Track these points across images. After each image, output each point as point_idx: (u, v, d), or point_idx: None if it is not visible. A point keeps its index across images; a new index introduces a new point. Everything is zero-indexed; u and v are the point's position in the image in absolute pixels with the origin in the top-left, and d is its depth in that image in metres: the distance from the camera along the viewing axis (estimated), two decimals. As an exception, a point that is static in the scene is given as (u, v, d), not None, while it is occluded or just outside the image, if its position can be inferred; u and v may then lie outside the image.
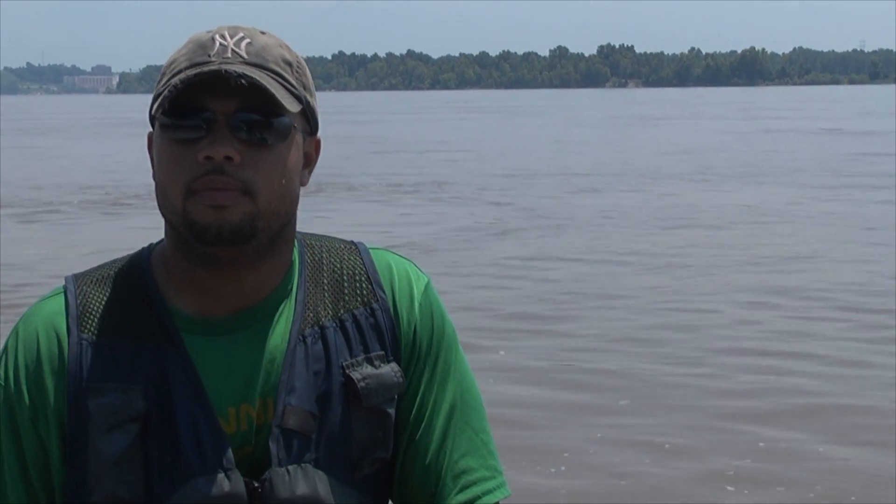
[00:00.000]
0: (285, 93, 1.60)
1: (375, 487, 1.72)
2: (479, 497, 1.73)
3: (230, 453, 1.61)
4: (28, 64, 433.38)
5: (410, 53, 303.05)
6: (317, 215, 16.33)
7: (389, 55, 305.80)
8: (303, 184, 1.68)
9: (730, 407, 7.14)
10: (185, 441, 1.60)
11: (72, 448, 1.62)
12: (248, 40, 1.62)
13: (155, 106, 1.59)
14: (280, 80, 1.60)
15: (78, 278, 1.71)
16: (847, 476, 5.93)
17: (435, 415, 1.74)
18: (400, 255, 1.80)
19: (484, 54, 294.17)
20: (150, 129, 1.68)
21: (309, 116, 1.67)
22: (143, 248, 1.73)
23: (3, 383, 1.66)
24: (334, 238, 1.80)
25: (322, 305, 1.70)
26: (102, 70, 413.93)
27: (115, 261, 1.74)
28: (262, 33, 1.66)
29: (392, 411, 1.69)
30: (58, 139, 45.19)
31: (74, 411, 1.62)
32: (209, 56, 1.59)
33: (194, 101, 1.57)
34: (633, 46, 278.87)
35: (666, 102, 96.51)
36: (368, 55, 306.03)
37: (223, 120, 1.57)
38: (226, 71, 1.55)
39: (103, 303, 1.67)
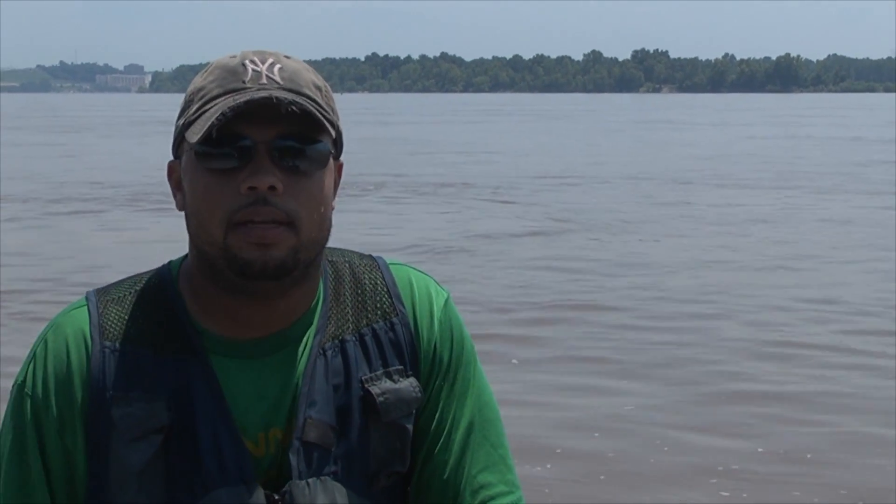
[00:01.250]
0: (322, 118, 1.57)
1: (392, 500, 1.72)
2: None
3: (251, 466, 1.61)
4: (61, 62, 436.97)
5: (444, 56, 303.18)
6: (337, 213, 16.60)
7: (423, 57, 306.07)
8: (332, 208, 1.66)
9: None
10: (206, 453, 1.60)
11: (94, 457, 1.61)
12: (279, 65, 1.59)
13: (190, 135, 1.55)
14: (315, 105, 1.58)
15: (99, 293, 1.69)
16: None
17: (454, 430, 1.74)
18: (420, 271, 1.80)
19: (517, 57, 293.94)
20: (172, 158, 1.66)
21: (337, 141, 1.65)
22: (167, 265, 1.71)
23: (30, 392, 1.64)
24: (354, 252, 1.79)
25: (343, 319, 1.69)
26: (135, 69, 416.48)
27: (136, 277, 1.72)
28: (287, 57, 1.63)
29: (410, 426, 1.70)
30: (94, 136, 45.76)
31: (97, 420, 1.60)
32: (244, 82, 1.56)
33: (231, 130, 1.53)
34: (667, 51, 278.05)
35: (696, 108, 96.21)
36: (402, 57, 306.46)
37: (263, 149, 1.54)
38: (277, 98, 1.52)
39: (126, 316, 1.65)
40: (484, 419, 1.76)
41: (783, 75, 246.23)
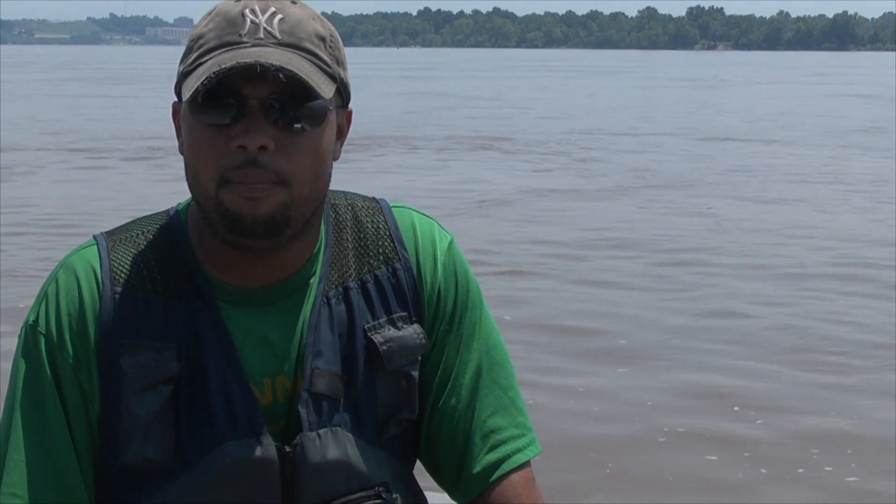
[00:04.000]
0: (321, 75, 1.55)
1: (403, 448, 1.72)
2: (509, 456, 1.72)
3: (261, 418, 1.59)
4: (111, 15, 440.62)
5: (496, 11, 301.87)
6: (361, 169, 16.90)
7: (476, 12, 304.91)
8: (335, 158, 1.63)
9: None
10: (217, 405, 1.58)
11: (104, 402, 1.59)
12: (280, 16, 1.56)
13: (184, 90, 1.54)
14: (315, 59, 1.55)
15: (108, 235, 1.66)
16: None
17: (461, 375, 1.72)
18: (422, 213, 1.77)
19: (570, 13, 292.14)
20: (176, 100, 1.64)
21: (342, 91, 1.61)
22: (175, 208, 1.69)
23: (43, 331, 1.61)
24: (357, 195, 1.77)
25: (345, 266, 1.68)
26: (184, 22, 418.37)
27: (144, 220, 1.69)
28: (294, 2, 1.59)
29: (415, 373, 1.68)
30: (143, 89, 46.30)
31: (108, 365, 1.59)
32: (240, 35, 1.53)
33: (226, 84, 1.51)
34: (722, 8, 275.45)
35: (747, 66, 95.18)
36: (454, 12, 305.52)
37: (256, 105, 1.52)
38: (261, 65, 1.48)
39: (136, 261, 1.63)
40: (492, 362, 1.74)
41: (839, 33, 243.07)
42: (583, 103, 37.16)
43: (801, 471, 5.39)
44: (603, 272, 9.93)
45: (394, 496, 1.66)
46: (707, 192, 15.29)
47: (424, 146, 21.51)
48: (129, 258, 1.63)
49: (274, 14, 1.56)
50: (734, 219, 12.90)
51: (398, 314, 1.68)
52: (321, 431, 1.60)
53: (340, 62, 1.60)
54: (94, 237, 1.66)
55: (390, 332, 1.66)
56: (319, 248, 1.67)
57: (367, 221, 1.72)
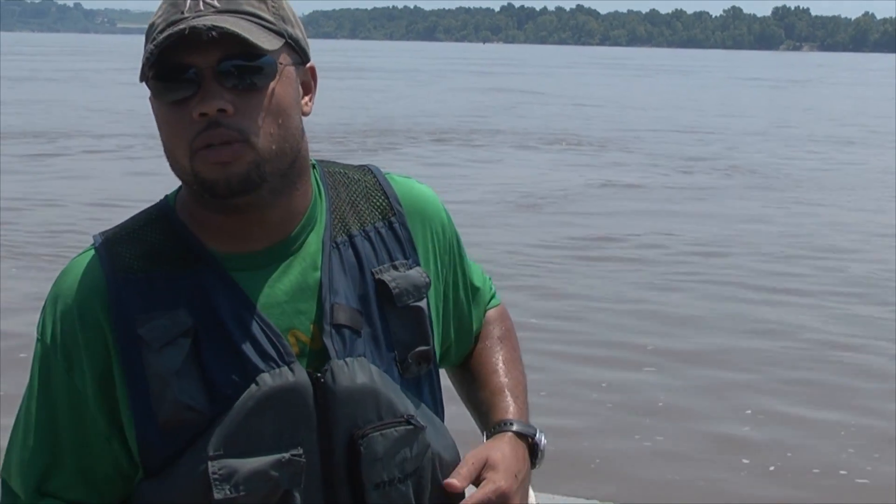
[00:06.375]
0: (262, 31, 1.59)
1: (423, 388, 1.76)
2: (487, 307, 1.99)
3: (289, 347, 1.63)
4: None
5: (580, 8, 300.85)
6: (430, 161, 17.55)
7: (559, 9, 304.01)
8: (305, 113, 1.69)
9: None
10: (242, 343, 1.62)
11: (129, 379, 1.62)
12: None
13: (141, 74, 1.60)
14: (255, 19, 1.60)
15: (105, 234, 1.71)
16: None
17: (456, 292, 1.89)
18: (407, 176, 1.88)
19: (654, 12, 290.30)
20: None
21: (295, 47, 1.66)
22: (163, 200, 1.75)
23: (40, 337, 1.69)
24: (346, 164, 1.85)
25: (345, 217, 1.75)
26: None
27: (136, 214, 1.75)
28: None
29: (424, 306, 1.75)
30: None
31: (125, 344, 1.62)
32: (182, 13, 1.58)
33: (177, 61, 1.57)
34: (808, 9, 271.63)
35: (830, 67, 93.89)
36: (537, 8, 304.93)
37: (209, 73, 1.57)
38: (193, 27, 1.54)
39: (133, 246, 1.68)
40: (465, 262, 1.92)
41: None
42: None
43: None
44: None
45: (423, 425, 1.70)
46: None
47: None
48: (126, 246, 1.68)
49: None
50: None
51: (400, 261, 1.75)
52: (348, 359, 1.65)
53: (286, 20, 1.65)
54: (93, 236, 1.72)
55: (396, 273, 1.74)
56: (315, 201, 1.73)
57: (360, 180, 1.80)
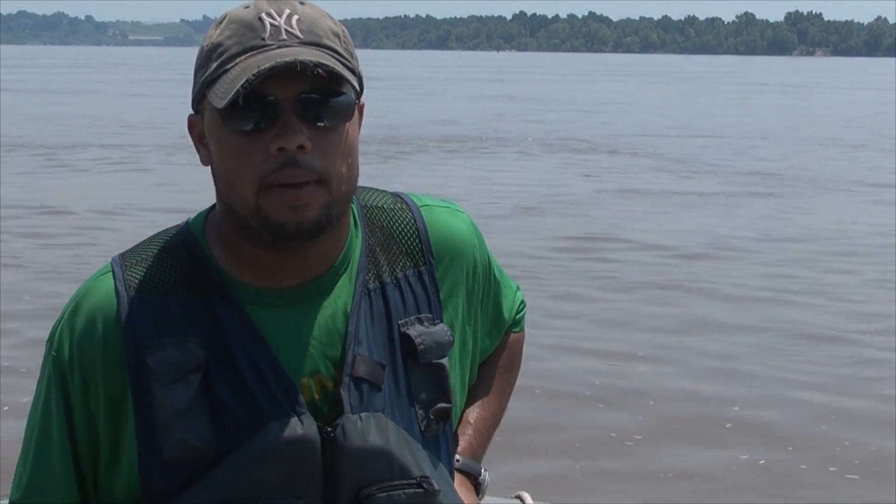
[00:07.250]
0: (344, 69, 1.55)
1: (441, 447, 1.72)
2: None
3: (301, 397, 1.59)
4: (204, 17, 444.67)
5: (592, 15, 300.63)
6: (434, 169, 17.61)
7: (571, 16, 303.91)
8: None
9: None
10: (254, 386, 1.58)
11: (137, 407, 1.60)
12: (296, 16, 1.56)
13: (214, 98, 1.53)
14: (336, 55, 1.56)
15: (124, 256, 1.68)
16: None
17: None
18: (443, 206, 1.80)
19: (666, 18, 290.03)
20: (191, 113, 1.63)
21: (359, 84, 1.61)
22: (191, 221, 1.70)
23: (55, 354, 1.66)
24: (381, 192, 1.78)
25: (378, 261, 1.69)
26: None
27: (157, 235, 1.70)
28: (302, 3, 1.60)
29: (446, 363, 1.70)
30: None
31: (135, 371, 1.59)
32: (263, 39, 1.53)
33: (255, 89, 1.50)
34: (821, 14, 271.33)
35: (840, 72, 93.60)
36: (549, 16, 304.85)
37: (288, 106, 1.51)
38: (301, 63, 1.49)
39: (150, 269, 1.64)
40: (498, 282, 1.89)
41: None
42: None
43: None
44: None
45: (437, 489, 1.65)
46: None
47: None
48: (143, 268, 1.64)
49: (290, 15, 1.57)
50: None
51: (425, 315, 1.70)
52: (363, 415, 1.60)
53: (354, 56, 1.61)
54: (111, 258, 1.69)
55: (421, 328, 1.69)
56: (351, 242, 1.68)
57: (395, 221, 1.74)
